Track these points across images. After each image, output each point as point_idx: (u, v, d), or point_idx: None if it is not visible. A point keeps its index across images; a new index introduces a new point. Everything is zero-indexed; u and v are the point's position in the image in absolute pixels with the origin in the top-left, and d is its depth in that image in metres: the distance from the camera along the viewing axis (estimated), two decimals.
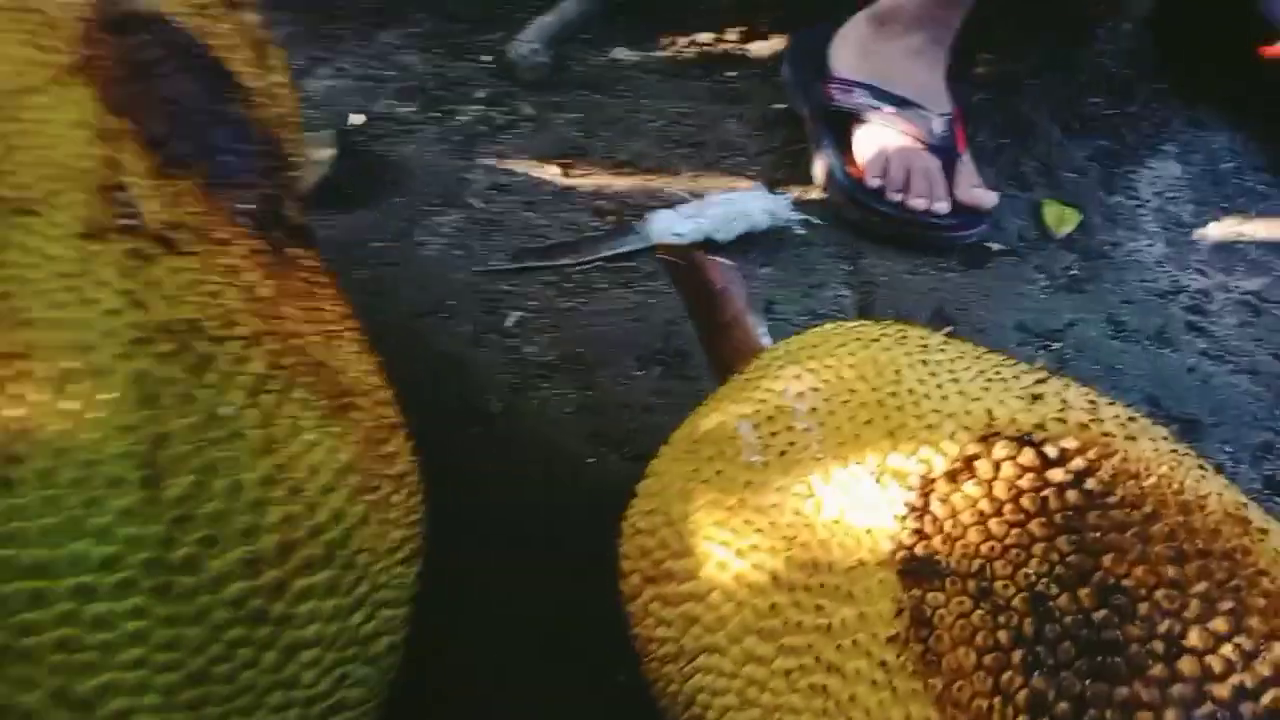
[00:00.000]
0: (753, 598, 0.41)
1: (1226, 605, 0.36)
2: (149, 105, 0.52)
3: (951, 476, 0.40)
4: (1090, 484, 0.40)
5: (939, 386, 0.45)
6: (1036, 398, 0.44)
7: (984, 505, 0.39)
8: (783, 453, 0.44)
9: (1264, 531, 0.41)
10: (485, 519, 0.72)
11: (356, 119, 1.10)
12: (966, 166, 1.03)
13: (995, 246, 1.03)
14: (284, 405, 0.45)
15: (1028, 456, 0.40)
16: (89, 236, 0.45)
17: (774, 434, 0.45)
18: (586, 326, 0.90)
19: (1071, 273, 1.03)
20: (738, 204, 0.96)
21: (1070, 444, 0.41)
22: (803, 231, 0.98)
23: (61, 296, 0.43)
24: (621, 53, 1.23)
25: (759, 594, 0.41)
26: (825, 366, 0.47)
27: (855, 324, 0.52)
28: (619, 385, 0.84)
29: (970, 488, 0.40)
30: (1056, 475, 0.40)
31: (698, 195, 1.01)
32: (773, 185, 1.05)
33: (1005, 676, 0.35)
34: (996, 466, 0.40)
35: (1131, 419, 0.45)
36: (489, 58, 1.20)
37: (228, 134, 0.56)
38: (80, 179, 0.47)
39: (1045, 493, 0.39)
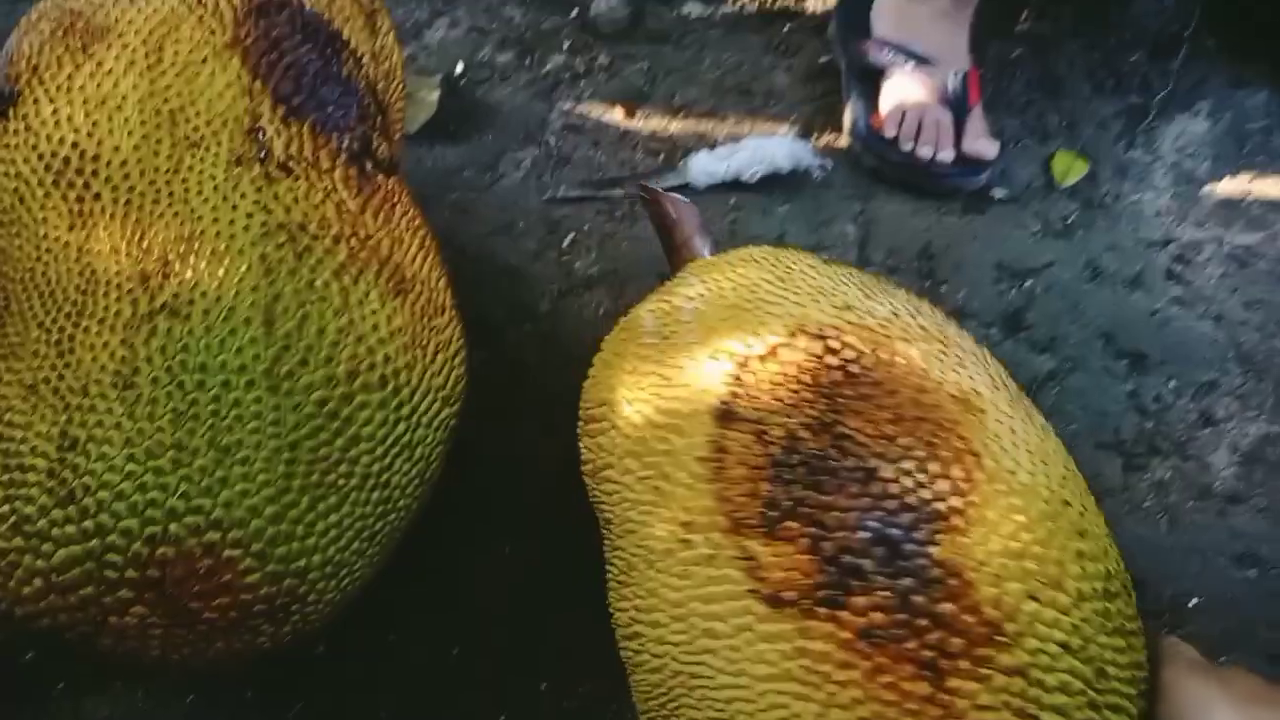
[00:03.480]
0: (632, 431, 0.61)
1: (919, 453, 0.52)
2: (279, 70, 0.74)
3: (761, 358, 0.58)
4: (853, 367, 0.56)
5: (780, 297, 0.62)
6: (848, 307, 0.60)
7: (777, 378, 0.56)
8: (666, 337, 0.63)
9: (981, 411, 0.55)
10: (525, 387, 0.94)
11: (460, 67, 1.31)
12: (976, 120, 1.15)
13: (999, 194, 1.16)
14: (358, 282, 0.67)
15: (816, 346, 0.57)
16: (236, 163, 0.68)
17: (665, 324, 0.64)
18: (625, 248, 1.09)
19: (1068, 220, 1.15)
20: (765, 149, 1.13)
21: (850, 340, 0.57)
22: (820, 175, 1.14)
23: (218, 203, 0.65)
24: (692, 8, 1.39)
25: (635, 429, 0.60)
26: (714, 279, 0.66)
27: (751, 248, 0.70)
28: (643, 295, 1.03)
29: (771, 365, 0.57)
30: (831, 359, 0.57)
31: (736, 139, 1.17)
32: (808, 132, 1.21)
33: (758, 483, 0.53)
34: (792, 352, 0.57)
35: (923, 328, 0.60)
36: (575, 12, 1.38)
37: (334, 91, 0.77)
38: (232, 124, 0.70)
39: (819, 370, 0.56)
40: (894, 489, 0.51)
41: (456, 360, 0.76)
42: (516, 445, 0.92)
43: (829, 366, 0.56)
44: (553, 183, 1.17)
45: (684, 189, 1.13)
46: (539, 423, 0.93)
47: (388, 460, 0.66)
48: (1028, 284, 1.07)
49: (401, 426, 0.67)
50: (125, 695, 0.74)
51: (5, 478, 0.57)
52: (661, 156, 1.19)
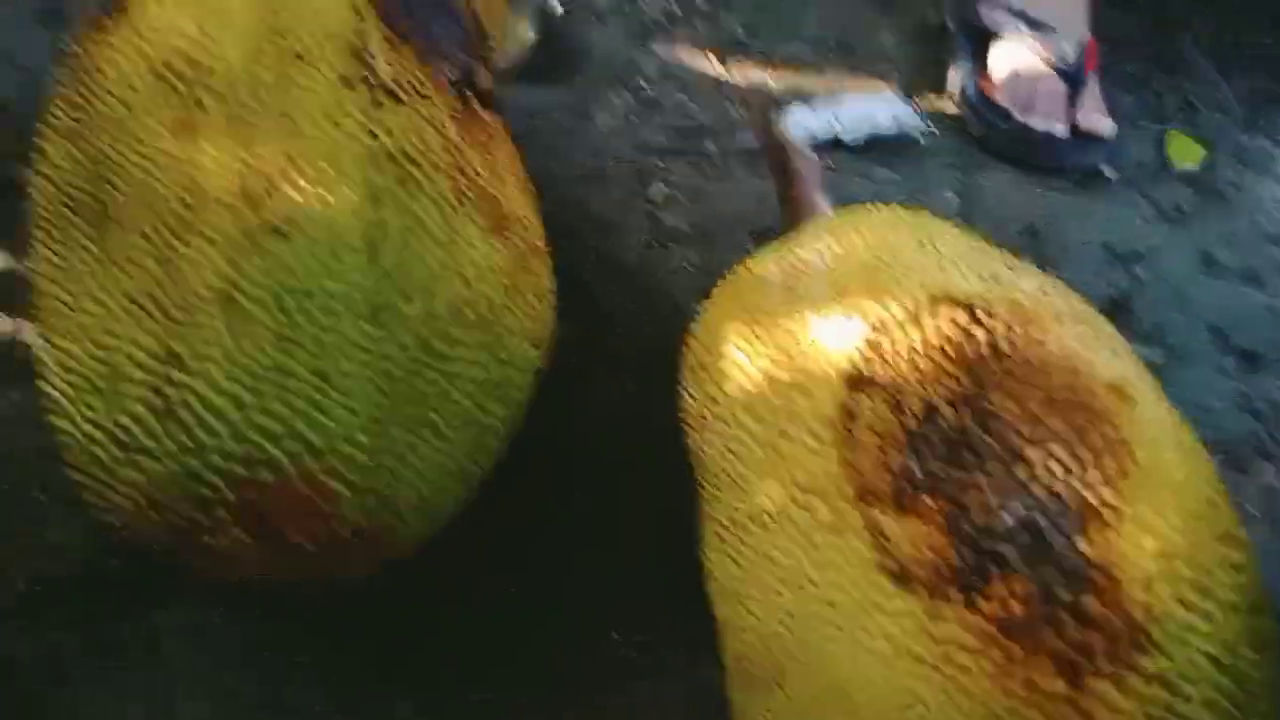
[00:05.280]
0: (749, 384, 0.58)
1: (1070, 438, 0.49)
2: None
3: (901, 324, 0.55)
4: (1002, 343, 0.53)
5: (922, 261, 0.59)
6: (995, 279, 0.58)
7: (918, 346, 0.54)
8: (793, 289, 0.60)
9: (1135, 402, 0.52)
10: (608, 338, 0.93)
11: (557, 6, 1.28)
12: (1092, 93, 1.10)
13: (1110, 173, 1.11)
14: (460, 217, 0.65)
15: (962, 317, 0.54)
16: (344, 83, 0.66)
17: (793, 277, 0.61)
18: (717, 204, 1.06)
19: (1181, 207, 1.09)
20: (868, 108, 1.08)
21: (1000, 313, 0.54)
22: (924, 140, 1.10)
23: (324, 123, 0.64)
24: None
25: (753, 382, 0.58)
26: (848, 236, 0.63)
27: (889, 208, 0.66)
28: (732, 255, 1.00)
29: (912, 332, 0.54)
30: (978, 332, 0.54)
31: (835, 97, 1.13)
32: (910, 94, 1.16)
33: (891, 454, 0.51)
34: (936, 320, 0.55)
35: (1071, 309, 0.57)
36: None
37: (442, 19, 0.75)
38: (341, 43, 0.68)
39: (964, 342, 0.53)
40: (1042, 474, 0.48)
41: (548, 306, 0.74)
42: (597, 396, 0.90)
43: (976, 340, 0.53)
44: (645, 130, 1.13)
45: None
46: (621, 376, 0.91)
47: (481, 401, 0.65)
48: (1135, 269, 1.02)
49: (494, 366, 0.66)
50: (202, 608, 0.74)
51: (105, 386, 0.57)
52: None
